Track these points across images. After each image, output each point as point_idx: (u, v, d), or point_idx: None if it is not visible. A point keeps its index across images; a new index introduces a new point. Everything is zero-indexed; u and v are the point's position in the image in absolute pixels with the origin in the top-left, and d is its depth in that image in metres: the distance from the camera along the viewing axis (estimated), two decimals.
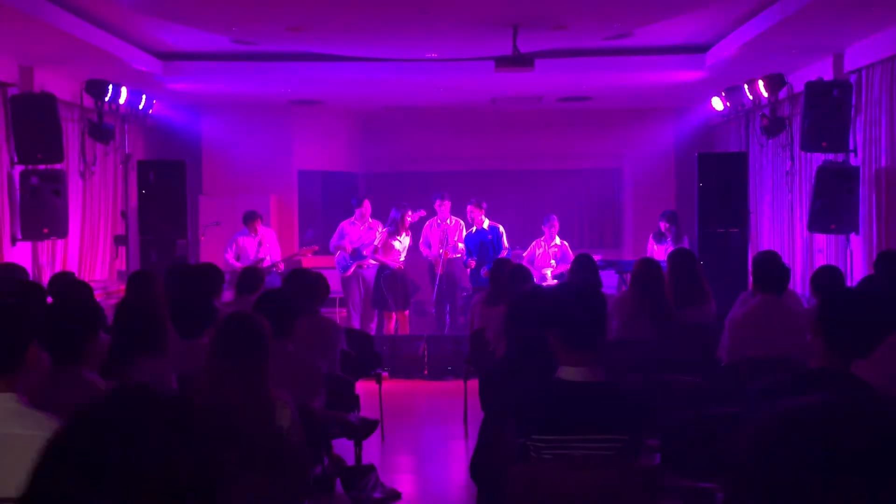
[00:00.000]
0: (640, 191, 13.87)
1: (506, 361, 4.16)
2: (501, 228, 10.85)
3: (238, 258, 10.62)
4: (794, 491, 0.95)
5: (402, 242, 10.56)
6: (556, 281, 10.67)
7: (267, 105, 12.77)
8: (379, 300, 10.55)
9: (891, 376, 3.52)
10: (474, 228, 10.81)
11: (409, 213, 10.55)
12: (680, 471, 3.67)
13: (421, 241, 10.97)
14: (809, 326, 3.12)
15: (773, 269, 5.49)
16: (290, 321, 4.67)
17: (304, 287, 5.71)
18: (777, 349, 4.96)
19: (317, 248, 11.32)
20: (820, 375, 3.01)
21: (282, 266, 10.76)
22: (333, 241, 10.88)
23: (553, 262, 11.01)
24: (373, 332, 10.09)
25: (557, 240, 11.17)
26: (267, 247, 10.86)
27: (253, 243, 10.80)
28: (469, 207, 10.83)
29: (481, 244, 10.70)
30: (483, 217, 10.80)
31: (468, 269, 10.94)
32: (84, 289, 5.80)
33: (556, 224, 11.20)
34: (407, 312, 10.70)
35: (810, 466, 0.95)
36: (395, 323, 10.61)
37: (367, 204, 10.84)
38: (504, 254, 10.45)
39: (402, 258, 10.55)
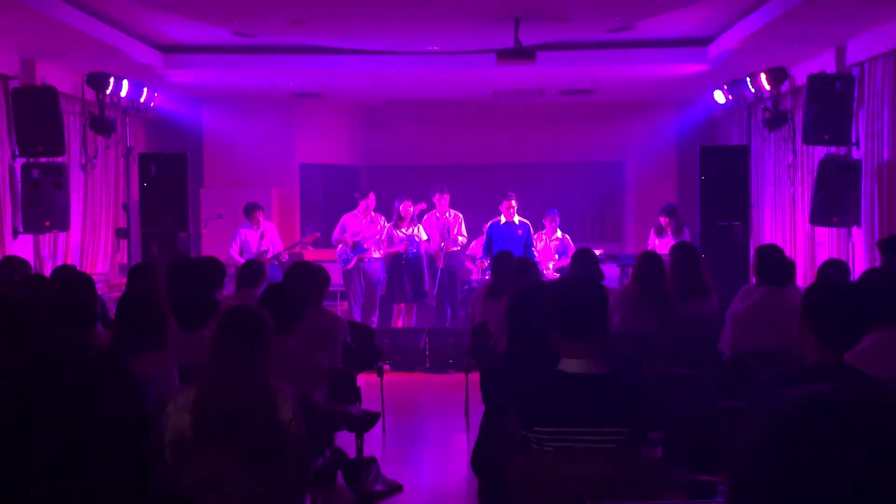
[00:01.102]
0: (641, 184, 13.86)
1: (508, 355, 4.16)
2: (531, 226, 10.67)
3: (241, 253, 10.62)
4: (808, 479, 0.95)
5: (405, 233, 10.54)
6: (557, 274, 10.68)
7: (268, 98, 12.77)
8: (388, 292, 10.60)
9: (890, 373, 3.51)
10: (503, 219, 10.61)
11: (407, 204, 10.51)
12: (681, 464, 3.68)
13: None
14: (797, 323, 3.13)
15: (775, 263, 5.49)
16: (295, 317, 4.67)
17: (306, 280, 5.70)
18: (779, 343, 4.96)
19: (318, 234, 11.29)
20: (822, 370, 3.01)
21: (285, 256, 10.76)
22: (335, 233, 10.88)
23: (556, 255, 11.02)
24: (374, 325, 10.10)
25: (559, 233, 11.18)
26: (269, 239, 10.85)
27: (255, 236, 10.79)
28: (505, 203, 10.53)
29: (509, 240, 10.46)
30: (513, 211, 10.56)
31: (478, 261, 10.91)
32: (86, 282, 5.79)
33: (557, 218, 11.20)
34: (414, 306, 10.68)
35: (824, 453, 0.95)
36: (402, 317, 10.59)
37: (372, 196, 10.81)
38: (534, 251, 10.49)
39: (405, 248, 10.49)
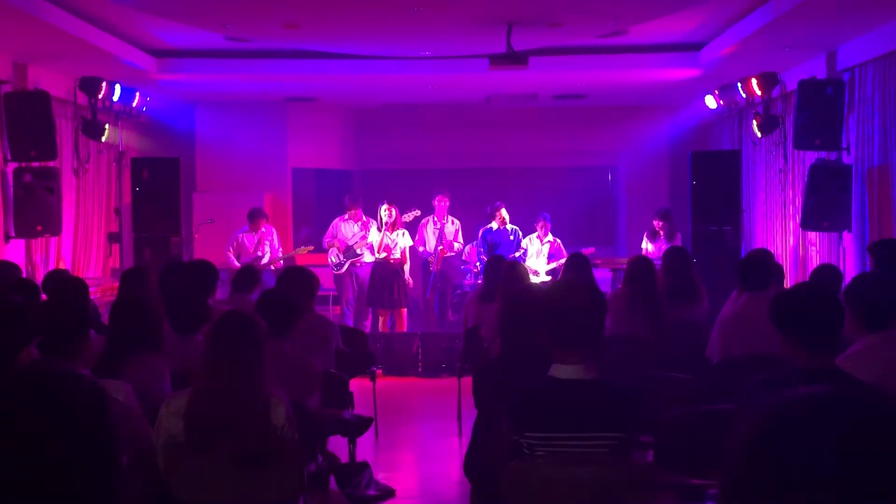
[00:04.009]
0: (634, 188, 13.90)
1: (500, 359, 4.17)
2: (520, 232, 11.00)
3: (238, 257, 10.63)
4: (799, 479, 0.96)
5: (386, 237, 10.46)
6: (549, 278, 10.70)
7: (261, 102, 12.77)
8: (371, 297, 10.56)
9: (881, 377, 3.53)
10: (495, 225, 10.87)
11: (387, 208, 10.48)
12: (672, 467, 3.69)
13: (417, 238, 10.96)
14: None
15: (752, 268, 5.49)
16: (291, 323, 4.68)
17: (299, 285, 5.71)
18: (767, 347, 4.97)
19: (312, 248, 11.31)
20: (811, 373, 3.02)
21: (280, 264, 10.77)
22: (326, 237, 10.90)
23: (547, 260, 11.05)
24: (367, 330, 10.09)
25: (550, 237, 11.21)
26: (266, 244, 10.85)
27: (252, 240, 10.81)
28: (498, 214, 10.93)
29: (500, 245, 10.74)
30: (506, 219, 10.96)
31: (473, 263, 11.00)
32: (79, 286, 5.79)
33: (549, 222, 11.27)
34: (404, 311, 10.64)
35: (815, 454, 0.96)
36: (390, 322, 10.55)
37: (356, 204, 10.85)
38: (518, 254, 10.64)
39: (382, 255, 10.47)
